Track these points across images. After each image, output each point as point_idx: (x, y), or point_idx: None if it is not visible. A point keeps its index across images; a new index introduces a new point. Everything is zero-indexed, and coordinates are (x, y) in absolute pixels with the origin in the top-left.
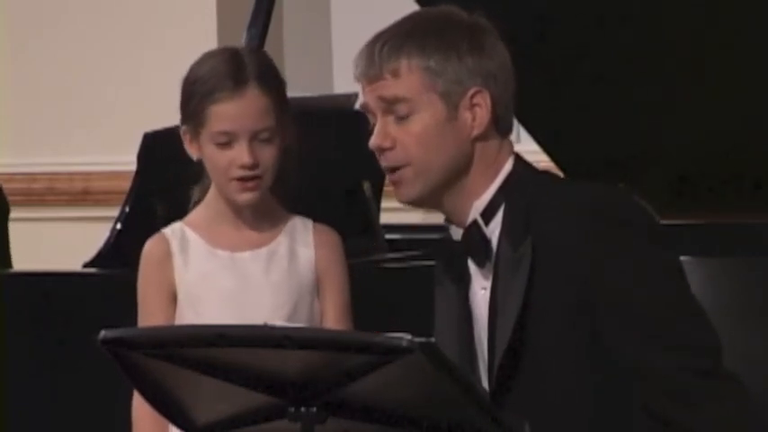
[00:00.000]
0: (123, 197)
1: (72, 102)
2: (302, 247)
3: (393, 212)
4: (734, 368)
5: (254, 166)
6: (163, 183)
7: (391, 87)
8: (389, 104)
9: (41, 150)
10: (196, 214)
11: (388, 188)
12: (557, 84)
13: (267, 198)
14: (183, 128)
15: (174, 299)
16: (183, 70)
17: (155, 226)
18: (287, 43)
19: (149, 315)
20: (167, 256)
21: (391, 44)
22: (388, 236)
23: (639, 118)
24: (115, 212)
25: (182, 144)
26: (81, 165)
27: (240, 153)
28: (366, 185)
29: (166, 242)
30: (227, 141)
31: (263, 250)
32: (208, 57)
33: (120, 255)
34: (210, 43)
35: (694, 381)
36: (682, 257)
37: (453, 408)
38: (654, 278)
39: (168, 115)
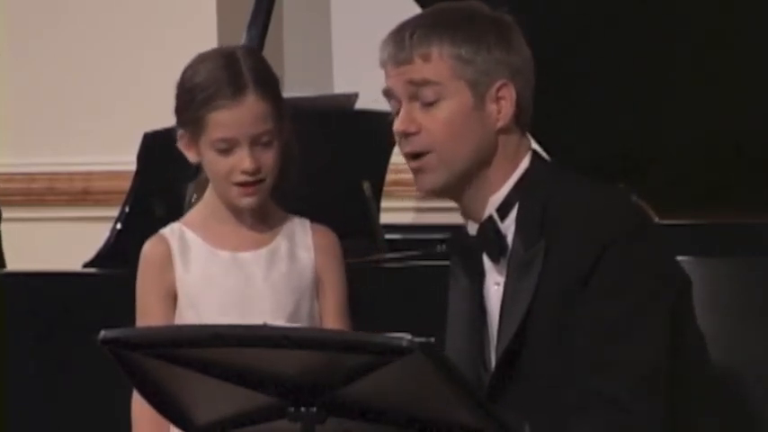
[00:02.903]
0: (123, 197)
1: (72, 102)
2: (301, 248)
3: (393, 212)
4: (734, 368)
5: (255, 171)
6: (163, 183)
7: (421, 71)
8: (417, 87)
9: (41, 150)
10: (195, 214)
11: (388, 188)
12: (557, 83)
13: (266, 198)
14: (180, 132)
15: (173, 300)
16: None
17: (155, 226)
18: (287, 43)
19: (148, 316)
20: (167, 257)
21: (422, 31)
22: (388, 236)
23: (639, 118)
24: (115, 212)
25: None
26: (81, 165)
27: (242, 159)
28: (366, 185)
29: (166, 243)
30: (227, 148)
31: (264, 250)
32: (202, 60)
33: (120, 255)
34: (211, 43)
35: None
36: (682, 257)
37: (453, 408)
38: (632, 298)
39: (168, 115)
